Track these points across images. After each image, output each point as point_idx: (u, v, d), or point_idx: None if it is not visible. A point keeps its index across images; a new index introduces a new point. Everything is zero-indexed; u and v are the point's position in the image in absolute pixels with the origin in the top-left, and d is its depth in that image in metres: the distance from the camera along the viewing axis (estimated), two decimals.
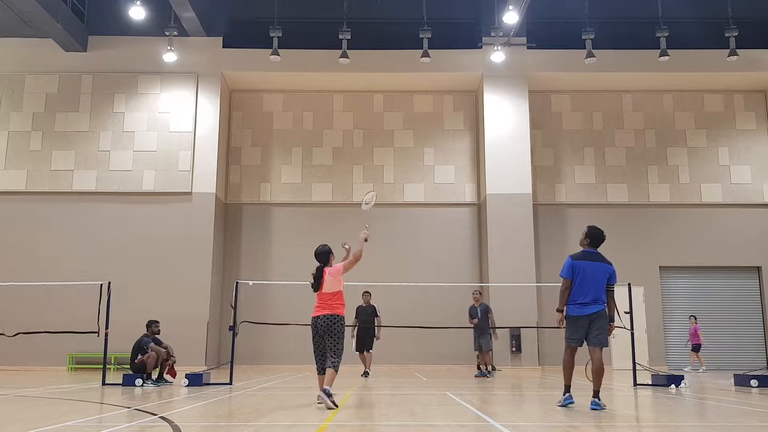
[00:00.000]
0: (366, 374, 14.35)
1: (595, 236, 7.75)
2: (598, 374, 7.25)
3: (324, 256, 7.90)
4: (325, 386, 7.37)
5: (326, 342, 7.61)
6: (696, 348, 18.66)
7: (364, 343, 14.68)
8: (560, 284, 7.67)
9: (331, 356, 7.59)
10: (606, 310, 7.47)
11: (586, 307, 7.36)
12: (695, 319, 18.81)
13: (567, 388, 7.49)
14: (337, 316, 7.66)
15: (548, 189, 20.53)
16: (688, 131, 20.87)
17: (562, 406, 7.40)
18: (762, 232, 20.09)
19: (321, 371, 7.66)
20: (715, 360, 19.53)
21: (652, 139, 20.81)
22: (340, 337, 7.62)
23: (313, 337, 7.71)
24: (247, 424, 6.07)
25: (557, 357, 19.42)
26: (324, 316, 7.63)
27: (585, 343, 7.43)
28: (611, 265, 7.62)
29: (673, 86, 20.89)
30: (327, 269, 7.82)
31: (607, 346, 7.40)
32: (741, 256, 19.99)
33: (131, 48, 19.96)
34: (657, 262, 19.97)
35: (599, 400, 7.14)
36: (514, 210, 19.21)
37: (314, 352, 7.75)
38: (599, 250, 7.74)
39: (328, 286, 7.73)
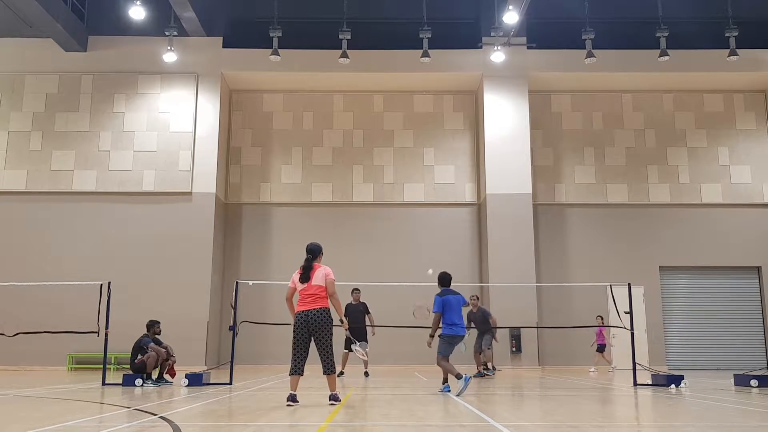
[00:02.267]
0: (341, 374, 14.30)
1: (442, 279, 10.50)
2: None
3: (315, 252, 7.82)
4: (333, 392, 7.59)
5: (317, 340, 7.48)
6: (601, 348, 18.15)
7: (354, 343, 14.55)
8: (560, 284, 8.66)
9: (326, 358, 7.54)
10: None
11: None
12: (602, 319, 18.08)
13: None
14: (328, 309, 7.51)
15: (548, 189, 20.53)
16: (688, 131, 20.87)
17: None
18: (762, 232, 20.09)
19: (299, 371, 7.56)
20: (715, 360, 19.56)
21: (652, 139, 20.81)
22: (330, 334, 7.55)
23: (298, 334, 7.52)
24: (247, 424, 6.07)
25: (557, 357, 19.57)
26: (316, 310, 7.48)
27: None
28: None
29: (673, 86, 20.90)
30: (317, 264, 7.74)
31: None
32: (741, 256, 19.99)
33: (131, 48, 19.97)
34: (657, 262, 19.97)
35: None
36: (514, 210, 19.21)
37: (296, 349, 7.57)
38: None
39: (318, 278, 7.58)
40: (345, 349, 14.57)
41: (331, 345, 7.59)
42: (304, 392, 10.08)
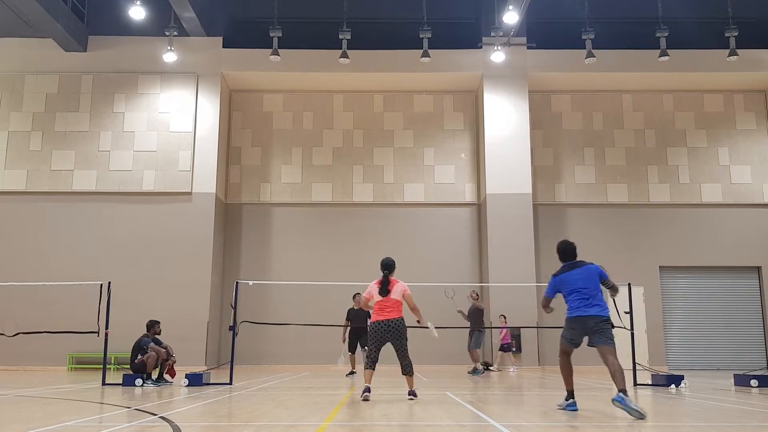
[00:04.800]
0: (352, 374, 14.38)
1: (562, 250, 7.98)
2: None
3: (391, 267, 8.74)
4: (412, 389, 8.55)
5: (397, 345, 8.44)
6: (505, 348, 18.01)
7: (359, 345, 14.63)
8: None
9: (405, 360, 8.52)
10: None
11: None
12: (505, 318, 17.93)
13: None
14: (403, 319, 8.51)
15: (548, 189, 20.53)
16: (688, 131, 20.87)
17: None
18: (762, 232, 20.09)
19: (373, 367, 8.53)
20: (715, 360, 19.55)
21: (652, 139, 20.81)
22: (406, 339, 8.53)
23: (377, 338, 8.46)
24: (247, 424, 6.06)
25: (557, 357, 19.49)
26: (395, 320, 8.44)
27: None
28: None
29: (673, 86, 20.89)
30: (393, 279, 8.64)
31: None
32: (741, 256, 19.98)
33: (131, 48, 19.96)
34: (657, 262, 19.96)
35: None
36: (514, 210, 19.21)
37: (372, 349, 8.51)
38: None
39: (396, 293, 8.53)
40: (350, 351, 14.63)
41: (407, 349, 8.53)
42: (305, 392, 10.08)
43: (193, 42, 19.91)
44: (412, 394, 8.52)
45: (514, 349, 18.35)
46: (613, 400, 6.38)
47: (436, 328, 9.34)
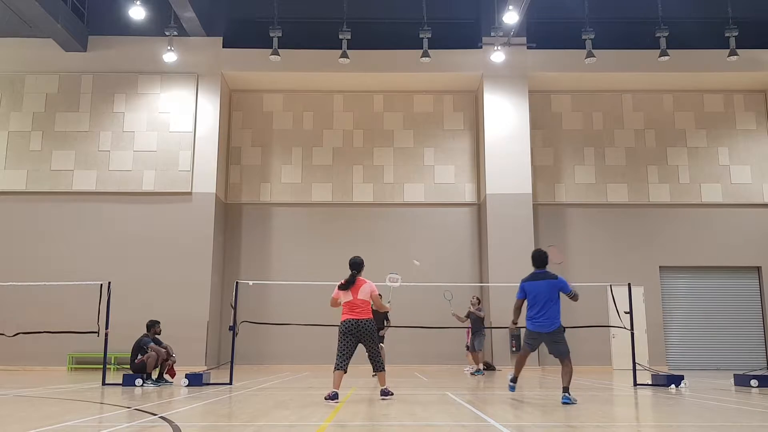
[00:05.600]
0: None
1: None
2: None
3: (358, 266, 8.64)
4: (384, 387, 8.62)
5: (368, 345, 8.41)
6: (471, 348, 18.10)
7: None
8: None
9: (375, 359, 8.52)
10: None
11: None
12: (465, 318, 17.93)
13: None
14: (373, 320, 8.51)
15: (548, 189, 20.53)
16: (688, 131, 20.86)
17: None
18: (762, 232, 20.08)
19: (344, 368, 8.30)
20: (715, 360, 19.55)
21: (652, 139, 20.80)
22: (376, 339, 8.53)
23: (347, 338, 8.35)
24: (247, 424, 6.07)
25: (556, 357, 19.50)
26: (365, 320, 8.39)
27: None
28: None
29: (673, 86, 20.89)
30: (361, 278, 8.56)
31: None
32: (741, 256, 19.98)
33: (131, 48, 19.96)
34: (657, 262, 19.96)
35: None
36: (514, 210, 19.21)
37: (343, 350, 8.33)
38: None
39: (364, 294, 8.49)
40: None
41: (378, 347, 8.57)
42: (305, 392, 10.09)
43: (193, 42, 19.91)
44: (386, 393, 8.53)
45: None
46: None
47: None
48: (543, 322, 8.21)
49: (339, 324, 8.50)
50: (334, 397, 7.97)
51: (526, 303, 8.46)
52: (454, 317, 16.32)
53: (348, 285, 8.46)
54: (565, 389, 7.91)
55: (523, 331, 8.72)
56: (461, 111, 21.23)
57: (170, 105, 19.80)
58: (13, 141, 19.50)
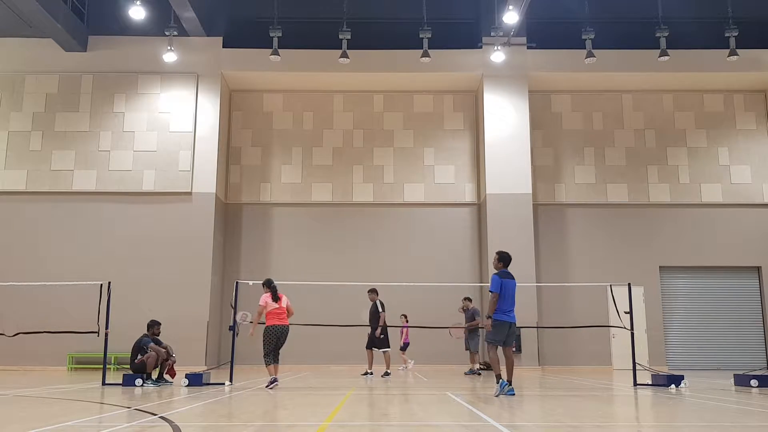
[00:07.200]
0: (367, 374, 14.46)
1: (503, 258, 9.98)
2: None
3: (275, 286, 11.25)
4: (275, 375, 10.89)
5: (282, 345, 11.11)
6: (404, 347, 17.91)
7: (372, 342, 14.65)
8: (560, 284, 9.25)
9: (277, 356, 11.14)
10: None
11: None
12: (405, 318, 17.76)
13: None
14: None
15: (548, 189, 20.52)
16: (688, 131, 20.86)
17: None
18: (762, 232, 20.08)
19: (276, 361, 11.05)
20: (715, 360, 19.55)
21: (652, 139, 20.80)
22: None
23: (276, 339, 11.03)
24: (247, 424, 6.07)
25: (557, 357, 19.55)
26: (287, 326, 11.18)
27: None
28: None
29: (673, 86, 20.89)
30: (279, 293, 11.23)
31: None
32: (741, 256, 19.98)
33: (131, 48, 19.96)
34: (657, 262, 19.96)
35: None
36: (514, 210, 19.20)
37: (274, 348, 11.02)
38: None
39: (284, 302, 11.19)
40: (367, 348, 14.70)
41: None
42: (305, 392, 10.09)
43: (193, 42, 19.90)
44: (273, 381, 10.59)
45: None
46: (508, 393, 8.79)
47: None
48: (513, 316, 9.70)
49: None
50: (274, 381, 10.57)
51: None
52: (450, 334, 16.69)
53: (275, 296, 11.18)
54: (510, 382, 9.07)
55: (524, 331, 9.19)
56: (461, 111, 21.23)
57: (170, 105, 19.80)
58: (13, 141, 19.50)
